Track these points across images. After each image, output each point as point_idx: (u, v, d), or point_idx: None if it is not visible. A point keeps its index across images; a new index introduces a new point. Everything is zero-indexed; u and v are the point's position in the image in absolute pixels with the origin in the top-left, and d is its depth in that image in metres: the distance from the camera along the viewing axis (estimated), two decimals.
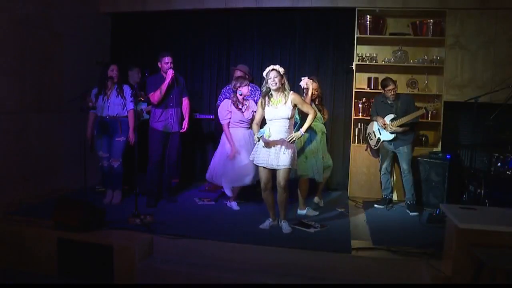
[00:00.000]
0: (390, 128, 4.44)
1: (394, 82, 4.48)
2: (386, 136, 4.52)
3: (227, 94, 5.06)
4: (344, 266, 3.29)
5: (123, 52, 5.89)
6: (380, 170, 4.76)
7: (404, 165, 4.51)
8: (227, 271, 3.33)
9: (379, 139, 4.60)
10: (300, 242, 3.53)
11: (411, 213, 4.42)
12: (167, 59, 4.37)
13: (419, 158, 4.72)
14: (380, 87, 4.65)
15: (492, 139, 4.22)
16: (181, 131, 4.57)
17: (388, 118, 4.49)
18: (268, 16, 5.51)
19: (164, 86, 4.32)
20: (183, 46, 5.79)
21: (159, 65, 4.43)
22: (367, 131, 4.85)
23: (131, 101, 4.38)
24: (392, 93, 4.44)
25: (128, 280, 3.40)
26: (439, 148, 4.94)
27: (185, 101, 4.64)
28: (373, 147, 4.76)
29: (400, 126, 4.41)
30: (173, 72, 4.32)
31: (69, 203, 3.74)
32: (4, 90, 4.30)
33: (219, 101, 5.13)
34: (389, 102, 4.51)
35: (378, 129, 4.61)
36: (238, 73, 4.90)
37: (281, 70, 3.63)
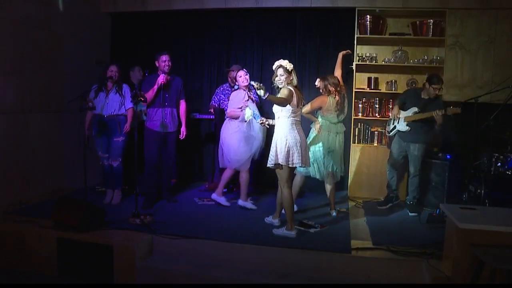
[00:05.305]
0: (400, 120, 4.40)
1: (442, 83, 4.31)
2: (402, 126, 4.45)
3: (221, 96, 5.07)
4: (344, 266, 3.29)
5: (123, 52, 5.89)
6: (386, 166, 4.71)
7: (412, 169, 4.48)
8: (227, 271, 3.33)
9: (394, 127, 4.55)
10: (300, 242, 3.53)
11: (410, 214, 4.42)
12: (165, 57, 4.36)
13: None
14: (426, 83, 4.30)
15: (492, 139, 4.21)
16: (180, 137, 4.56)
17: (411, 111, 4.39)
18: (268, 16, 5.51)
19: (152, 91, 4.31)
20: (183, 46, 5.79)
21: (157, 64, 4.42)
22: (390, 117, 4.73)
23: (130, 101, 4.38)
24: (437, 92, 4.27)
25: (128, 280, 3.40)
26: (439, 148, 4.94)
27: (183, 104, 4.62)
28: (387, 133, 4.69)
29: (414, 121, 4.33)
30: (164, 77, 4.31)
31: (69, 203, 3.74)
32: (4, 90, 4.30)
33: (213, 101, 5.14)
34: (423, 97, 4.37)
35: (398, 118, 4.53)
36: (233, 74, 4.92)
37: (289, 66, 3.60)
